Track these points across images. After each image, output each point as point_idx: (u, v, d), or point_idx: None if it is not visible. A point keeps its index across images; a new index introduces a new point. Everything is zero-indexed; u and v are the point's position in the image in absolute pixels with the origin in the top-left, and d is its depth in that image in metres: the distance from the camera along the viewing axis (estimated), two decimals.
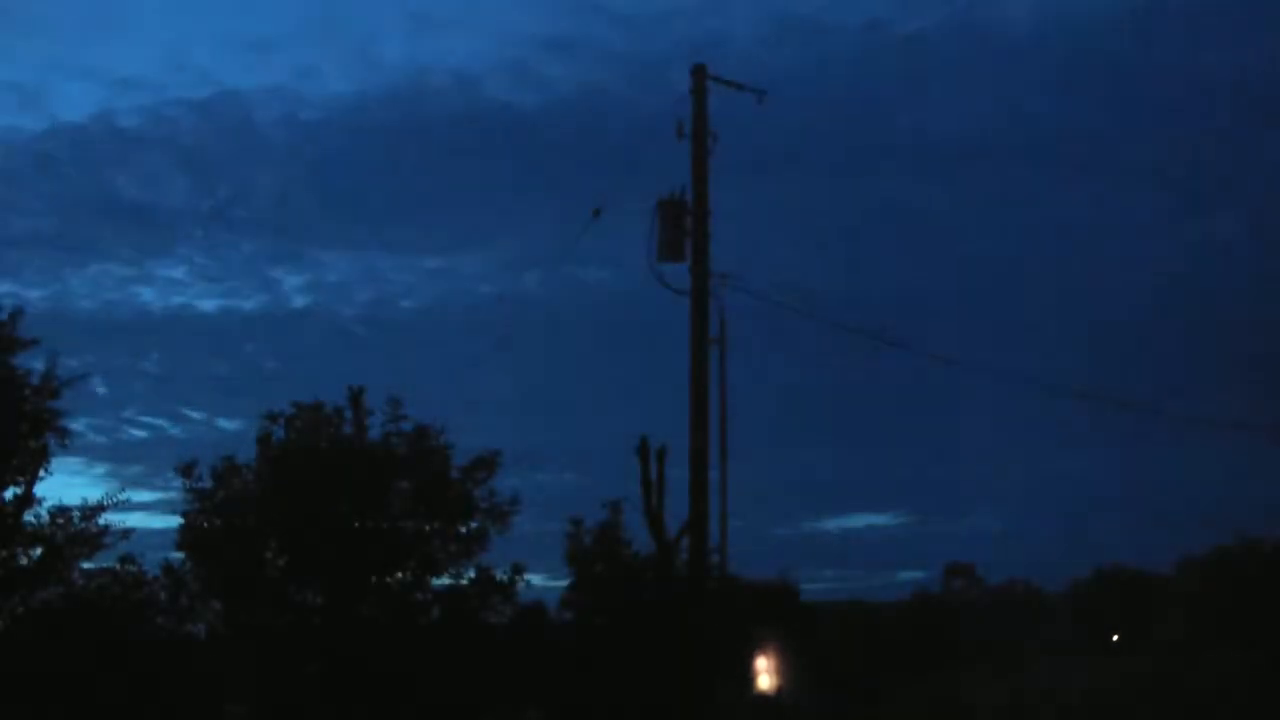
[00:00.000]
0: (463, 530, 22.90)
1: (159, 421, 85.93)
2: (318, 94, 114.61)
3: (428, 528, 22.95)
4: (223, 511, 22.42)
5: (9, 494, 21.36)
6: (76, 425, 21.95)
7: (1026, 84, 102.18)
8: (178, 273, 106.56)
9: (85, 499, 21.51)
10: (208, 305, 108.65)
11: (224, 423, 76.69)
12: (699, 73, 23.38)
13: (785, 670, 48.59)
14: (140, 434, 78.85)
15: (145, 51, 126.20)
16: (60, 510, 21.35)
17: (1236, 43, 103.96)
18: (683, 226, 22.60)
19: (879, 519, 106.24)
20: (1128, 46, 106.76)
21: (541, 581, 24.80)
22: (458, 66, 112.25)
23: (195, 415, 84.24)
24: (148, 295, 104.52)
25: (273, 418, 22.82)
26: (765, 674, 45.10)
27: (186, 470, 22.49)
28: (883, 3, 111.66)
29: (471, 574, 23.04)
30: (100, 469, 56.06)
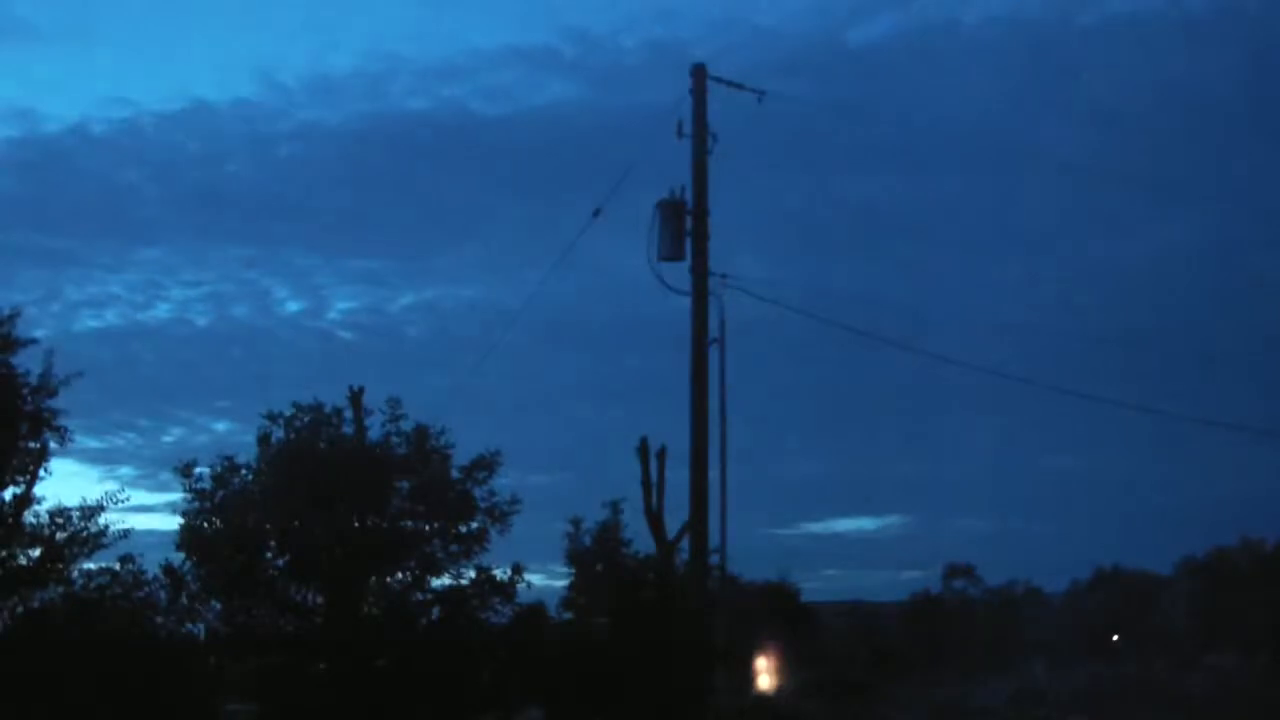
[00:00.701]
0: (463, 530, 22.88)
1: (150, 425, 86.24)
2: (297, 103, 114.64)
3: (428, 528, 22.93)
4: (222, 511, 22.40)
5: (8, 494, 21.35)
6: (69, 426, 21.91)
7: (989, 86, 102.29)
8: (161, 279, 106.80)
9: (84, 499, 21.51)
10: (192, 311, 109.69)
11: (215, 426, 77.18)
12: (699, 73, 23.42)
13: (785, 670, 48.60)
14: (131, 437, 79.07)
15: (121, 63, 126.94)
16: (59, 511, 21.34)
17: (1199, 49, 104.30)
18: (682, 226, 22.63)
19: (879, 519, 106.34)
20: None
21: (541, 582, 24.79)
22: (429, 75, 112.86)
23: (184, 418, 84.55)
24: (130, 300, 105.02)
25: (272, 418, 22.80)
26: (765, 674, 45.13)
27: (186, 470, 22.47)
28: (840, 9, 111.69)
29: (471, 574, 23.02)
30: (94, 472, 56.11)
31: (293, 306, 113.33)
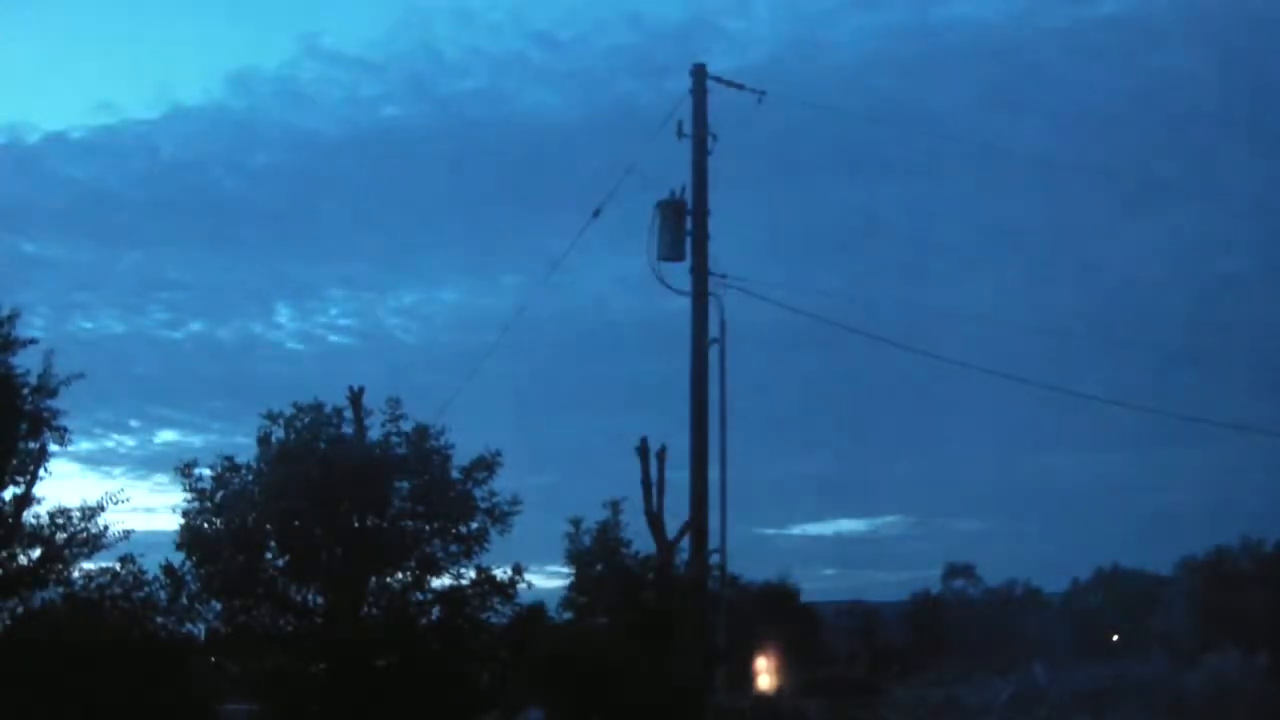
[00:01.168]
0: (463, 530, 22.87)
1: (142, 428, 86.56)
2: (284, 110, 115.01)
3: (428, 528, 22.92)
4: (222, 512, 22.39)
5: (8, 494, 21.37)
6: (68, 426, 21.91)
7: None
8: (148, 283, 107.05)
9: (85, 500, 21.54)
10: (181, 314, 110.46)
11: (207, 428, 77.64)
12: (699, 73, 23.35)
13: (785, 670, 48.62)
14: (120, 439, 79.36)
15: (102, 70, 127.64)
16: (60, 511, 21.35)
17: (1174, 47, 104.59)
18: (682, 226, 22.60)
19: (878, 520, 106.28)
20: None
21: (541, 582, 24.80)
22: (404, 81, 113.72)
23: (176, 421, 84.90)
24: (120, 304, 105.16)
25: (273, 418, 22.79)
26: (765, 674, 45.16)
27: (186, 470, 22.47)
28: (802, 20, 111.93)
29: (471, 574, 23.01)
30: (86, 474, 56.28)
31: (281, 311, 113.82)
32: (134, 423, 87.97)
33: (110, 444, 74.83)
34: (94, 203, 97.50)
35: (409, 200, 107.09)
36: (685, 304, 22.58)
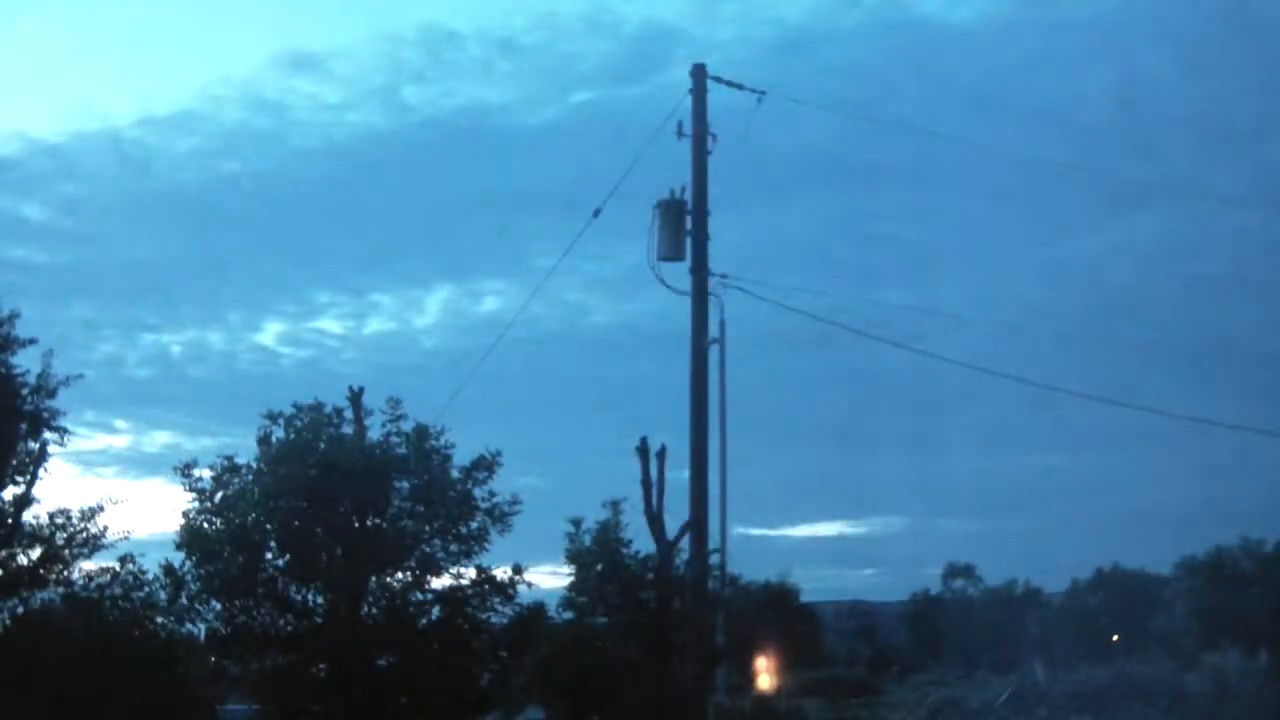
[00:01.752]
0: (463, 530, 22.86)
1: (133, 429, 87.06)
2: (256, 118, 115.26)
3: (428, 528, 22.92)
4: (222, 512, 22.39)
5: (8, 494, 21.36)
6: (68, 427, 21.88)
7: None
8: (137, 288, 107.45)
9: (84, 502, 21.53)
10: (173, 318, 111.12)
11: (201, 431, 78.11)
12: (699, 73, 23.40)
13: (785, 670, 48.63)
14: (111, 441, 79.83)
15: (78, 75, 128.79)
16: (60, 511, 21.36)
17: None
18: (682, 226, 22.63)
19: (879, 520, 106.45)
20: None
21: (541, 582, 24.77)
22: (376, 89, 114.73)
23: (171, 423, 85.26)
24: (110, 308, 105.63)
25: (272, 417, 22.77)
26: (765, 674, 45.16)
27: (185, 470, 22.46)
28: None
29: (471, 574, 23.00)
30: (86, 476, 56.43)
31: (272, 316, 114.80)
32: (122, 423, 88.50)
33: (102, 445, 75.28)
34: (77, 208, 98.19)
35: (384, 207, 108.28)
36: (682, 303, 22.64)
